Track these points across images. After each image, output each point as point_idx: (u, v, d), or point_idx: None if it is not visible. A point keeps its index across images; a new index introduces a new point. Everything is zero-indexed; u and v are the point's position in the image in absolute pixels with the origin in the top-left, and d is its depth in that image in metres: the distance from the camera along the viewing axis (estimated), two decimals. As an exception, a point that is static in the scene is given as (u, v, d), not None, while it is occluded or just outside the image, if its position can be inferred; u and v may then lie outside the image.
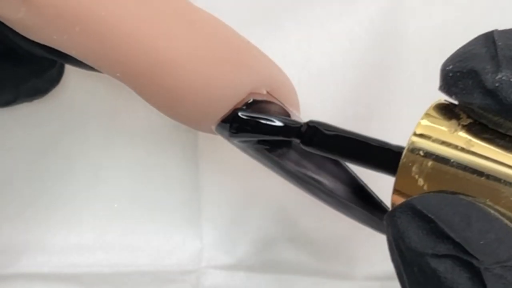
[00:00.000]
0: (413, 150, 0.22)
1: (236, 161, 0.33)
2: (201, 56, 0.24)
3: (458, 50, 0.22)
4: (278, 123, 0.25)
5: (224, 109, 0.25)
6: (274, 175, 0.27)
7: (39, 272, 0.33)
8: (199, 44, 0.25)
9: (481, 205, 0.20)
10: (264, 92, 0.26)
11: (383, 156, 0.23)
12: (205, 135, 0.32)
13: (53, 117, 0.33)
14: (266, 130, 0.25)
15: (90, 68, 0.25)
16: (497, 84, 0.20)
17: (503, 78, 0.20)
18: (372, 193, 0.25)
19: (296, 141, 0.25)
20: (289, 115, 0.27)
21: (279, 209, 0.34)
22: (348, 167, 0.26)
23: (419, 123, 0.22)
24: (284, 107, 0.27)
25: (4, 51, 0.26)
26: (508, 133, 0.21)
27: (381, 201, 0.25)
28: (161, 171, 0.34)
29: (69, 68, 0.30)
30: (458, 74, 0.21)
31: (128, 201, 0.34)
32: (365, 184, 0.26)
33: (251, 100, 0.26)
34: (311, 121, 0.25)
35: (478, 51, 0.21)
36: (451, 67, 0.22)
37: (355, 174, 0.26)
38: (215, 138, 0.29)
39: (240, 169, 0.33)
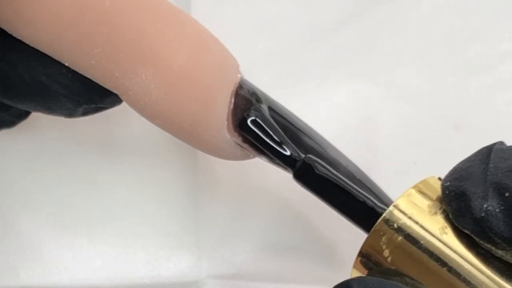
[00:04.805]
0: (388, 221, 0.22)
1: (235, 171, 0.33)
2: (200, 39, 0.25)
3: (459, 164, 0.22)
4: (284, 147, 0.25)
5: (231, 81, 0.25)
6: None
7: (37, 285, 0.33)
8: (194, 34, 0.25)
9: None
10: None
11: (363, 213, 0.23)
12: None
13: (52, 128, 0.33)
14: (269, 146, 0.25)
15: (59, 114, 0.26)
16: (483, 214, 0.20)
17: (489, 208, 0.20)
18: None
19: (288, 170, 0.25)
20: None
21: (278, 218, 0.33)
22: None
23: (402, 195, 0.23)
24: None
25: None
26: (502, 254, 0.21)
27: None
28: (159, 181, 0.33)
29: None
30: (452, 194, 0.21)
31: (125, 212, 0.33)
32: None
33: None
34: (308, 157, 0.24)
35: (474, 170, 0.21)
36: (448, 183, 0.22)
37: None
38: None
39: (238, 178, 0.33)
